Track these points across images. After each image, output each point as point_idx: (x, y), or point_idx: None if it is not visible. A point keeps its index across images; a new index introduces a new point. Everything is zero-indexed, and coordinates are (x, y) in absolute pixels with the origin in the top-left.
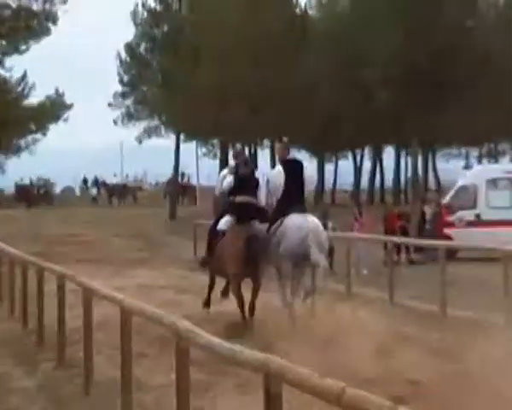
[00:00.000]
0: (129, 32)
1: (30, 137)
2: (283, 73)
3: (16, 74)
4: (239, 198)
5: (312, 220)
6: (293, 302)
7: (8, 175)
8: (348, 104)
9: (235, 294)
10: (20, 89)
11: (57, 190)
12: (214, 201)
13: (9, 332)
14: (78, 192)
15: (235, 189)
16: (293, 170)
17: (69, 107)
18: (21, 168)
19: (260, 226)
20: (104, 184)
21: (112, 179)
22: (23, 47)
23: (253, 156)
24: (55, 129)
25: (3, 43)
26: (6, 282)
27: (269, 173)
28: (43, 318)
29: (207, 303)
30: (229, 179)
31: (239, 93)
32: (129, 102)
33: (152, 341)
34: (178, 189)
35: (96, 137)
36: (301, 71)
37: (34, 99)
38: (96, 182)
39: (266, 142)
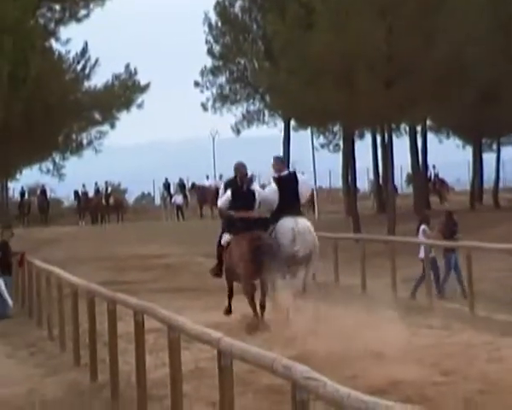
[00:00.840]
0: None
1: (93, 130)
2: (422, 37)
3: (74, 48)
4: (237, 214)
5: (303, 222)
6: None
7: (67, 181)
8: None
9: (247, 292)
10: (79, 67)
11: (131, 198)
12: (219, 211)
13: (75, 386)
14: (158, 201)
15: (233, 205)
16: (288, 185)
17: (144, 88)
18: (82, 171)
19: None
20: (194, 187)
21: (204, 183)
22: (83, 12)
23: (388, 146)
24: (125, 118)
25: (57, 8)
26: (69, 319)
27: (261, 192)
28: (117, 367)
29: (228, 311)
30: (224, 197)
31: (367, 64)
32: (222, 79)
33: (260, 393)
34: None
35: (180, 127)
36: (446, 35)
37: (98, 80)
38: (182, 186)
39: (404, 127)
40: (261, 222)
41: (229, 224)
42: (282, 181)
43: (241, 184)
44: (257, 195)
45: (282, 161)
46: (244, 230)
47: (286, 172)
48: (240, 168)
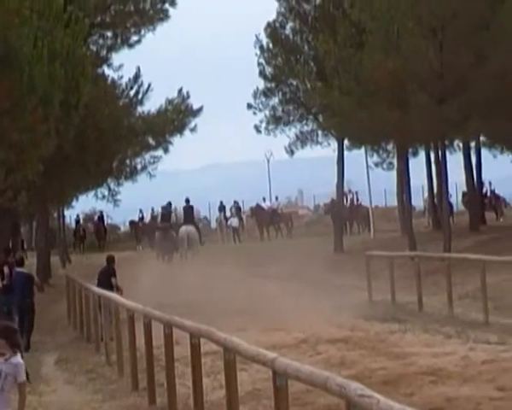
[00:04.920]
0: (270, 10)
1: (147, 155)
2: (474, 53)
3: (127, 74)
4: (161, 224)
5: (190, 228)
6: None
7: (122, 206)
8: None
9: (158, 257)
10: (132, 92)
11: None
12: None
13: None
14: (214, 224)
15: (161, 219)
16: (188, 211)
17: (197, 112)
18: (137, 197)
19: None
20: (256, 209)
21: (261, 205)
22: (134, 38)
23: (442, 163)
24: (179, 142)
25: (109, 34)
26: (126, 344)
27: (179, 214)
28: (174, 390)
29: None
30: (159, 217)
31: (419, 81)
32: (274, 101)
33: None
34: (344, 212)
35: (234, 149)
36: (497, 50)
37: (151, 105)
38: (238, 209)
39: (457, 143)
40: (169, 227)
41: (158, 228)
42: (185, 209)
43: (166, 212)
44: (172, 216)
45: (188, 200)
46: (161, 230)
47: (187, 205)
48: (167, 207)
